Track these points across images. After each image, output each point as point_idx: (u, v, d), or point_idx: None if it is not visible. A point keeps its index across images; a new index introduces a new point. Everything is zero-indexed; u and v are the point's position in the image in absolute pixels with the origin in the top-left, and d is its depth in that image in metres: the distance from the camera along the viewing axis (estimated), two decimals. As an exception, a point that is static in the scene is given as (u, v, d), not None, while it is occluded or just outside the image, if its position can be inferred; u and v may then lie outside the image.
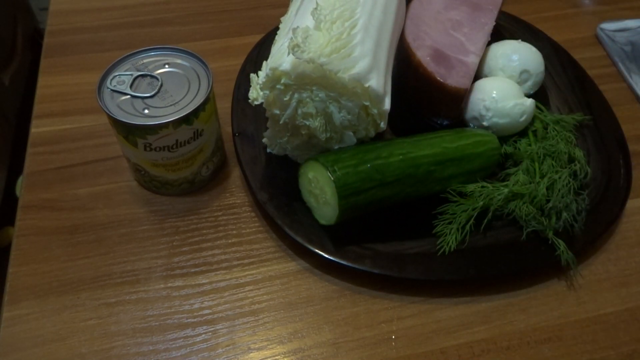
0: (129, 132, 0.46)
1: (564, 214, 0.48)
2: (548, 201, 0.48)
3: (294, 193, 0.49)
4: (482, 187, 0.49)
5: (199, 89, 0.47)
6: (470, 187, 0.49)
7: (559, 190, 0.48)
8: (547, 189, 0.48)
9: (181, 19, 0.71)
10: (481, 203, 0.48)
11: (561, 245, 0.47)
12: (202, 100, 0.46)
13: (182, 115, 0.45)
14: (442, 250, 0.47)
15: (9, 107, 1.33)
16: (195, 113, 0.46)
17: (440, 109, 0.54)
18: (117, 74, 0.48)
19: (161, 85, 0.47)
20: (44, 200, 0.51)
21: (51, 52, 0.66)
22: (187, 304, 0.46)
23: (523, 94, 0.54)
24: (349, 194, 0.45)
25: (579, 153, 0.52)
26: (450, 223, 0.48)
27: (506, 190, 0.48)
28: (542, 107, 0.56)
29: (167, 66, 0.49)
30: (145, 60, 0.49)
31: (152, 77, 0.48)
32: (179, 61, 0.49)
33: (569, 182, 0.49)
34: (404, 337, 0.45)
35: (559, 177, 0.49)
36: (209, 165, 0.52)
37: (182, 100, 0.46)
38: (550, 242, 0.47)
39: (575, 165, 0.51)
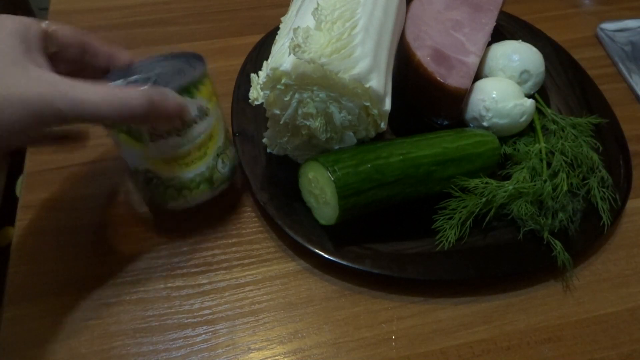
0: None
1: (560, 215, 0.48)
2: (554, 200, 0.48)
3: (294, 193, 0.49)
4: (486, 182, 0.49)
5: (194, 74, 0.45)
6: (474, 183, 0.49)
7: (563, 190, 0.48)
8: (554, 189, 0.48)
9: (181, 19, 0.71)
10: (484, 199, 0.48)
11: (558, 246, 0.47)
12: (200, 73, 0.44)
13: (181, 82, 0.42)
14: (441, 245, 0.47)
15: (8, 106, 1.32)
16: (194, 83, 0.43)
17: (440, 109, 0.54)
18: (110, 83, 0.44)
19: (155, 80, 0.44)
20: (44, 200, 0.51)
21: (51, 52, 0.66)
22: (187, 304, 0.46)
23: (523, 95, 0.54)
24: (349, 194, 0.45)
25: (596, 158, 0.52)
26: (450, 218, 0.48)
27: (511, 187, 0.48)
28: (544, 108, 0.56)
29: (159, 68, 0.46)
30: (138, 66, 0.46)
31: (146, 78, 0.45)
32: (172, 62, 0.47)
33: (573, 185, 0.49)
34: (404, 337, 0.45)
35: (571, 182, 0.49)
36: (224, 159, 0.48)
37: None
38: (546, 242, 0.48)
39: (599, 172, 0.51)
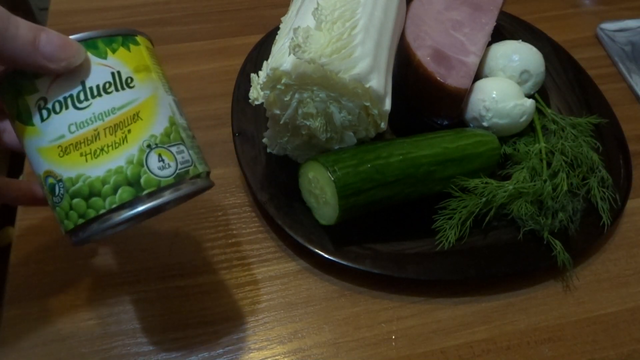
0: (16, 92, 0.32)
1: (560, 215, 0.48)
2: (554, 200, 0.48)
3: (294, 193, 0.49)
4: (486, 182, 0.49)
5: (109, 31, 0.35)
6: (474, 183, 0.49)
7: (563, 190, 0.48)
8: (554, 189, 0.48)
9: (181, 19, 0.71)
10: (484, 199, 0.48)
11: (557, 245, 0.47)
12: (120, 32, 0.33)
13: (84, 35, 0.32)
14: (441, 245, 0.47)
15: (8, 106, 1.32)
16: (107, 40, 0.32)
17: (440, 109, 0.54)
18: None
19: None
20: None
21: (51, 52, 0.66)
22: (187, 303, 0.46)
23: (523, 95, 0.54)
24: (349, 194, 0.45)
25: (596, 158, 0.52)
26: (450, 218, 0.48)
27: (511, 187, 0.48)
28: (544, 108, 0.56)
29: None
30: None
31: None
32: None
33: (574, 185, 0.49)
34: (404, 337, 0.45)
35: (571, 182, 0.49)
36: (163, 155, 0.33)
37: None
38: (546, 242, 0.47)
39: (599, 172, 0.51)
